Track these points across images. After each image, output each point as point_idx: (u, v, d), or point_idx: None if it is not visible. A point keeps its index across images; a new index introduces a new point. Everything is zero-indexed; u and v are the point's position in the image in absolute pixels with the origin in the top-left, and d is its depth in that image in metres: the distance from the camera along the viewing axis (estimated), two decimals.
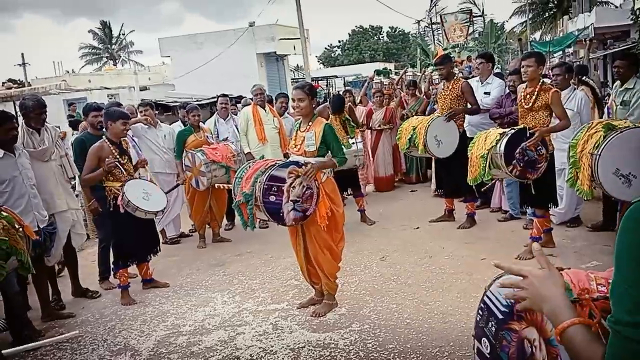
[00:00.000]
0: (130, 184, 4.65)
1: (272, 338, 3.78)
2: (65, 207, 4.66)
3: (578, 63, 12.02)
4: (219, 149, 6.18)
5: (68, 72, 33.30)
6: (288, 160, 4.06)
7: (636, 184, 3.86)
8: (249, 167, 4.07)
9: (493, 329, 1.55)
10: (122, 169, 4.67)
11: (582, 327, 1.07)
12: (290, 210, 3.82)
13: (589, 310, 1.21)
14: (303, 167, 3.89)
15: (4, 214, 3.43)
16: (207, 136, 6.32)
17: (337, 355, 3.43)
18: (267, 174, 3.80)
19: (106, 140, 4.67)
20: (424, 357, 3.31)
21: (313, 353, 3.49)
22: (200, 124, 6.44)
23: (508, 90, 6.06)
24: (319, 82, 26.26)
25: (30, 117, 4.53)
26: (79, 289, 5.06)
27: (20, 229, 3.52)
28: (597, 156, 3.96)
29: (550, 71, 6.48)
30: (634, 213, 0.96)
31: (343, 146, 4.51)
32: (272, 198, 3.78)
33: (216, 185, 6.09)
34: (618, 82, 5.31)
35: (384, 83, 10.07)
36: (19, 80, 29.06)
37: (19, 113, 4.79)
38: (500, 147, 4.76)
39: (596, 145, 4.04)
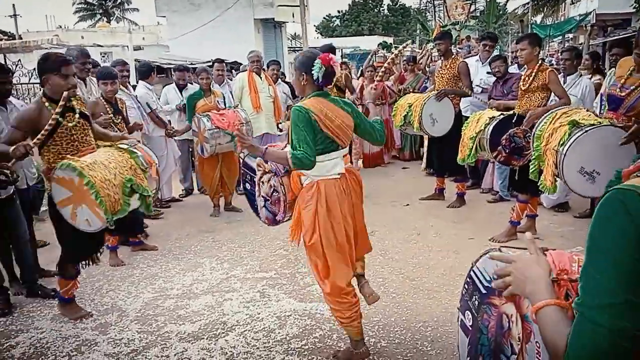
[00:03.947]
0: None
1: (259, 305, 3.83)
2: None
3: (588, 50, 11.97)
4: (227, 115, 5.84)
5: (60, 27, 32.48)
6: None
7: (600, 181, 3.81)
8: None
9: (476, 302, 1.62)
10: (115, 128, 4.63)
11: (556, 308, 1.09)
12: (262, 207, 3.22)
13: (565, 290, 1.24)
14: (269, 163, 3.06)
15: (138, 152, 3.48)
16: (217, 101, 6.03)
17: (322, 325, 3.49)
18: (243, 160, 3.45)
19: (101, 98, 4.64)
20: (407, 330, 3.37)
21: (299, 322, 3.54)
22: (212, 87, 6.22)
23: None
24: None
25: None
26: None
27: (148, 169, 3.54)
28: (563, 155, 3.86)
29: (550, 56, 6.42)
30: (606, 202, 1.00)
31: None
32: (248, 186, 3.46)
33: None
34: (613, 70, 5.24)
35: (387, 57, 9.93)
36: (9, 32, 28.36)
37: (11, 66, 4.70)
38: (487, 131, 4.75)
39: (561, 142, 3.91)
